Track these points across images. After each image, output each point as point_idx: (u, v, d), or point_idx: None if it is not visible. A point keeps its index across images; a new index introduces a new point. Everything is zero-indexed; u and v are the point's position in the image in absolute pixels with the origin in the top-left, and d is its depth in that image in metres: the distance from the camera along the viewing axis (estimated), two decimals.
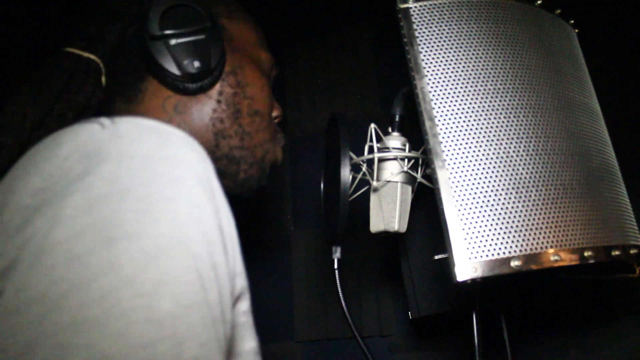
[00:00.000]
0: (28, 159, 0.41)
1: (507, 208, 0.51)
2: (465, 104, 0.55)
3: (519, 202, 0.52)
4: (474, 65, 0.57)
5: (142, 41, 0.55)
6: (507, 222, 0.51)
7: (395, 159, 0.66)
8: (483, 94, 0.56)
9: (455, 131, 0.54)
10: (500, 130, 0.54)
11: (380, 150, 0.67)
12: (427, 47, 0.57)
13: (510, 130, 0.55)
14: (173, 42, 0.54)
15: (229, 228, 0.43)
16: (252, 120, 0.62)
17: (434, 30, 0.58)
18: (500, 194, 0.52)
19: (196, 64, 0.55)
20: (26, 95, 0.53)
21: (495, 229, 0.51)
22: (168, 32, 0.54)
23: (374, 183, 0.66)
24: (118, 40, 0.59)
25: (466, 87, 0.56)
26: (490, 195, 0.52)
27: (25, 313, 0.31)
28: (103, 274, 0.32)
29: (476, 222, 0.51)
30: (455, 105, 0.55)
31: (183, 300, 0.34)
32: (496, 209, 0.51)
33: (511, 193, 0.52)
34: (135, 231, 0.34)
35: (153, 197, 0.36)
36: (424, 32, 0.57)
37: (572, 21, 0.70)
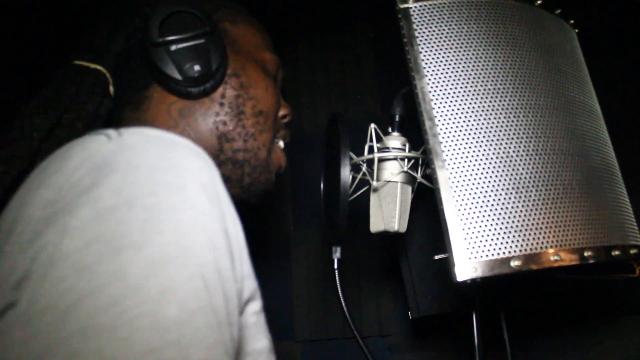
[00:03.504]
0: (40, 172, 0.42)
1: (507, 208, 0.51)
2: (465, 104, 0.55)
3: (519, 202, 0.52)
4: (474, 65, 0.57)
5: (144, 49, 0.57)
6: (507, 222, 0.51)
7: (395, 159, 0.66)
8: (483, 94, 0.56)
9: (455, 131, 0.54)
10: (500, 131, 0.54)
11: (380, 150, 0.67)
12: (427, 47, 0.57)
13: (510, 130, 0.55)
14: (173, 47, 0.55)
15: (236, 232, 0.43)
16: (256, 121, 0.62)
17: (434, 30, 0.58)
18: (500, 194, 0.52)
19: (197, 67, 0.56)
20: (35, 107, 0.54)
21: (495, 229, 0.51)
22: (168, 38, 0.55)
23: (374, 183, 0.66)
24: (123, 50, 0.61)
25: (466, 87, 0.56)
26: (490, 195, 0.52)
27: (38, 322, 0.33)
28: (110, 283, 0.33)
29: (476, 222, 0.51)
30: (455, 105, 0.55)
31: (188, 306, 0.35)
32: (496, 209, 0.51)
33: (511, 193, 0.52)
34: (141, 240, 0.35)
35: (158, 207, 0.37)
36: (424, 32, 0.57)
37: (572, 21, 0.70)
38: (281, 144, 0.69)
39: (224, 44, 0.60)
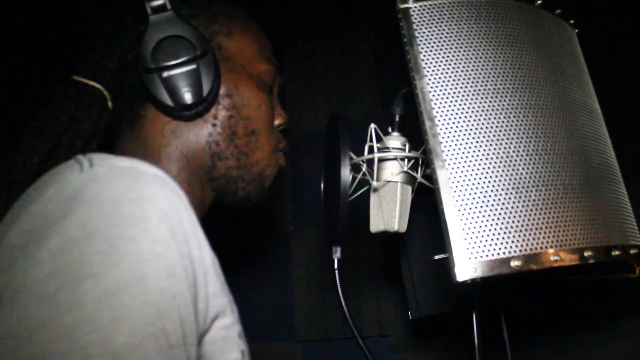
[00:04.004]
0: (23, 199, 0.45)
1: (507, 208, 0.51)
2: (465, 104, 0.55)
3: (519, 202, 0.52)
4: (474, 65, 0.57)
5: (137, 72, 0.58)
6: (507, 222, 0.51)
7: (395, 159, 0.66)
8: (483, 94, 0.56)
9: (455, 131, 0.54)
10: (500, 130, 0.54)
11: (380, 150, 0.67)
12: (427, 47, 0.57)
13: (510, 130, 0.55)
14: (165, 74, 0.56)
15: (200, 255, 0.46)
16: (248, 141, 0.63)
17: (434, 30, 0.58)
18: (500, 194, 0.52)
19: (187, 96, 0.57)
20: (35, 130, 0.56)
21: (495, 229, 0.51)
22: (160, 64, 0.56)
23: (374, 183, 0.66)
24: (119, 66, 0.62)
25: (466, 87, 0.56)
26: (490, 195, 0.52)
27: (3, 347, 0.35)
28: (67, 312, 0.36)
29: (476, 222, 0.51)
30: (455, 105, 0.55)
31: (139, 332, 0.37)
32: (496, 209, 0.51)
33: (511, 193, 0.52)
34: (99, 271, 0.37)
35: (118, 238, 0.39)
36: (424, 32, 0.57)
37: (572, 21, 0.70)
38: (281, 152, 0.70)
39: (217, 65, 0.60)
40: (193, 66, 0.57)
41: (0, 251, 0.41)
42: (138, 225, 0.40)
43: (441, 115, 0.54)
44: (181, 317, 0.40)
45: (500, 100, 0.56)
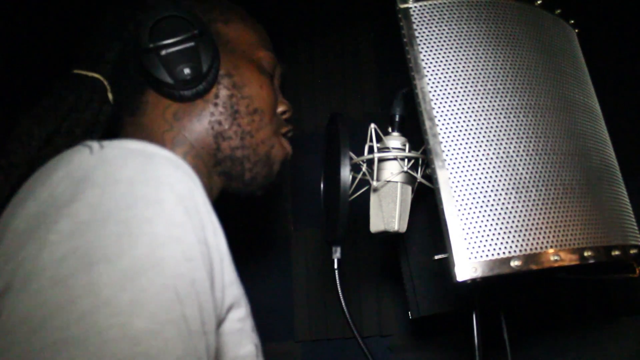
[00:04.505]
0: (29, 184, 0.44)
1: (507, 208, 0.51)
2: (465, 104, 0.55)
3: (519, 202, 0.52)
4: (474, 66, 0.57)
5: (136, 55, 0.58)
6: (507, 222, 0.51)
7: (395, 159, 0.66)
8: (483, 94, 0.56)
9: (455, 131, 0.54)
10: (500, 130, 0.54)
11: (380, 150, 0.67)
12: (427, 47, 0.57)
13: (510, 130, 0.55)
14: (164, 52, 0.56)
15: (216, 242, 0.45)
16: (252, 119, 0.62)
17: (434, 30, 0.58)
18: (500, 194, 0.52)
19: (187, 70, 0.56)
20: (35, 117, 0.56)
21: (495, 229, 0.51)
22: (158, 43, 0.56)
23: (374, 183, 0.66)
24: (118, 57, 0.62)
25: (466, 87, 0.56)
26: (490, 195, 0.52)
27: (15, 333, 0.34)
28: (83, 296, 0.34)
29: (476, 222, 0.51)
30: (455, 105, 0.55)
31: (159, 317, 0.36)
32: (496, 209, 0.51)
33: (511, 193, 0.52)
34: (114, 254, 0.36)
35: (133, 220, 0.38)
36: (424, 32, 0.57)
37: (572, 21, 0.70)
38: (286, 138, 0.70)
39: (216, 45, 0.60)
40: (191, 44, 0.57)
41: (7, 236, 0.39)
42: (153, 207, 0.39)
43: (441, 115, 0.54)
44: (200, 304, 0.39)
45: (500, 100, 0.56)
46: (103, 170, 0.40)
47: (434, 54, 0.56)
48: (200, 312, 0.39)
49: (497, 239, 0.50)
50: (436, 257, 0.56)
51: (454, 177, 0.52)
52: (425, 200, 0.69)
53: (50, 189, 0.40)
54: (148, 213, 0.38)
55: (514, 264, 0.50)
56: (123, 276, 0.35)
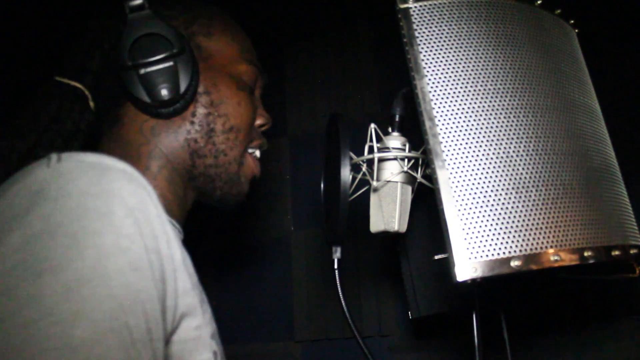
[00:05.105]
0: None
1: (507, 208, 0.51)
2: (465, 104, 0.55)
3: (519, 202, 0.52)
4: (474, 65, 0.57)
5: (115, 70, 0.58)
6: (507, 222, 0.51)
7: (395, 159, 0.66)
8: (483, 94, 0.56)
9: (455, 131, 0.54)
10: (500, 130, 0.54)
11: (380, 150, 0.67)
12: (427, 47, 0.57)
13: (510, 130, 0.55)
14: (142, 71, 0.56)
15: (170, 252, 0.45)
16: (227, 137, 0.63)
17: (434, 30, 0.58)
18: (500, 194, 0.52)
19: (164, 92, 0.57)
20: (16, 128, 0.57)
21: (495, 229, 0.51)
22: (137, 62, 0.56)
23: (374, 183, 0.66)
24: (100, 67, 0.62)
25: (466, 87, 0.56)
26: (490, 195, 0.52)
27: None
28: (26, 306, 0.35)
29: (476, 222, 0.51)
30: (455, 105, 0.55)
31: (100, 326, 0.36)
32: (496, 209, 0.51)
33: (511, 193, 0.52)
34: (60, 265, 0.37)
35: (81, 232, 0.39)
36: (424, 32, 0.57)
37: (572, 21, 0.70)
38: (257, 153, 0.70)
39: (196, 63, 0.60)
40: (170, 63, 0.57)
41: None
42: (102, 219, 0.40)
43: (441, 115, 0.54)
44: (146, 312, 0.40)
45: (500, 100, 0.56)
46: (57, 183, 0.41)
47: (434, 54, 0.56)
48: (146, 320, 0.40)
49: (497, 239, 0.50)
50: (436, 257, 0.56)
51: (454, 177, 0.52)
52: (425, 200, 0.69)
53: (9, 201, 0.41)
54: (97, 225, 0.39)
55: (514, 264, 0.50)
56: (67, 287, 0.36)
